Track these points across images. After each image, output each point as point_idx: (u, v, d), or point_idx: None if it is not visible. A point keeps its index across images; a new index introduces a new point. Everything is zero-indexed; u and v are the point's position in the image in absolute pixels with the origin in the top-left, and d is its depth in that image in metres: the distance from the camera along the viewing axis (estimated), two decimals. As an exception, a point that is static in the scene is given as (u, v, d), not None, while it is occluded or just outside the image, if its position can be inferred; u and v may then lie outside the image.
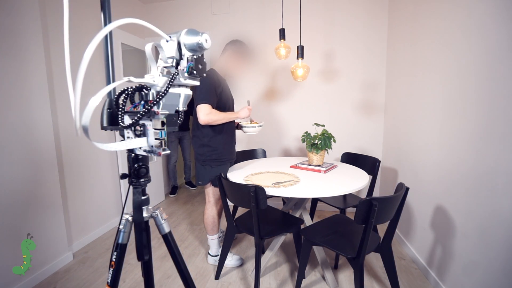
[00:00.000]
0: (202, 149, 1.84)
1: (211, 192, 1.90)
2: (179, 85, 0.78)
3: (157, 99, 0.70)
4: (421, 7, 1.94)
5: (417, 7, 2.01)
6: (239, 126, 2.01)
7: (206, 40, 0.72)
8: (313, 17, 2.80)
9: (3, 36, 1.60)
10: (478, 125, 1.34)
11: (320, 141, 1.92)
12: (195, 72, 0.74)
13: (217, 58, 1.94)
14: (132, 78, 0.71)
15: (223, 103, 1.82)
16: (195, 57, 0.73)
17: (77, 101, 0.57)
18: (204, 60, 0.79)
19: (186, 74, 0.74)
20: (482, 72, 1.31)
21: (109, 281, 0.84)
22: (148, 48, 0.74)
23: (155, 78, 0.75)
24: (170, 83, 0.71)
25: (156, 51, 3.02)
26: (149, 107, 0.71)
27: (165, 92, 0.71)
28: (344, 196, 2.22)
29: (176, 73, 0.72)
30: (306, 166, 1.97)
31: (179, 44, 0.72)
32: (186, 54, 0.73)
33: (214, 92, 1.73)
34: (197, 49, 0.73)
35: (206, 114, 1.69)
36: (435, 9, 1.75)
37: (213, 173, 1.85)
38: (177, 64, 0.75)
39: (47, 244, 1.89)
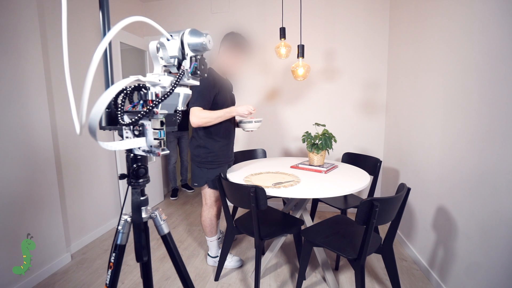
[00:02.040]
0: (198, 150, 1.81)
1: (207, 194, 1.87)
2: (180, 85, 0.78)
3: (162, 98, 0.70)
4: (423, 6, 1.93)
5: (418, 5, 2.00)
6: (236, 123, 1.98)
7: (209, 41, 0.73)
8: (314, 16, 2.79)
9: (0, 34, 1.58)
10: (480, 125, 1.33)
11: (320, 141, 1.91)
12: (198, 72, 0.74)
13: (215, 56, 1.87)
14: (140, 77, 0.71)
15: (220, 106, 1.76)
16: (198, 57, 0.73)
17: (85, 99, 0.56)
18: (206, 60, 0.79)
19: (190, 74, 0.74)
20: (485, 71, 1.30)
21: (107, 282, 0.83)
22: (153, 47, 0.74)
23: (160, 77, 0.74)
24: (177, 82, 0.71)
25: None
26: (152, 106, 0.70)
27: (171, 91, 0.70)
28: (345, 196, 2.21)
29: (182, 73, 0.72)
30: (306, 167, 1.95)
31: (181, 43, 0.72)
32: (190, 54, 0.73)
33: (208, 94, 1.68)
34: (200, 49, 0.73)
35: (196, 116, 1.64)
36: (436, 8, 1.74)
37: (209, 175, 1.82)
38: (179, 63, 0.75)
39: (45, 245, 1.87)
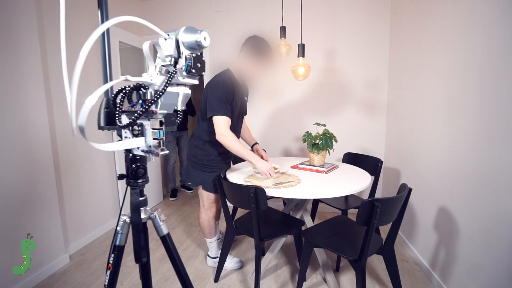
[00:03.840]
0: (195, 151, 1.79)
1: (204, 196, 1.84)
2: (178, 84, 0.77)
3: (155, 98, 0.69)
4: (424, 5, 1.92)
5: (419, 5, 1.99)
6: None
7: (204, 38, 0.72)
8: (314, 15, 2.78)
9: (-1, 34, 1.58)
10: (481, 125, 1.32)
11: (321, 141, 1.90)
12: (193, 70, 0.73)
13: (235, 58, 1.75)
14: (129, 77, 0.70)
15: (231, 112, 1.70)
16: (193, 55, 0.72)
17: (73, 100, 0.55)
18: (203, 58, 0.77)
19: (184, 73, 0.73)
20: (486, 71, 1.29)
21: (106, 283, 0.83)
22: (146, 47, 0.73)
23: (153, 77, 0.73)
24: (168, 81, 0.70)
25: (154, 49, 3.00)
26: (146, 107, 0.69)
27: (163, 91, 0.69)
28: (346, 197, 2.20)
29: (174, 72, 0.71)
30: (307, 167, 1.94)
31: (177, 42, 0.71)
32: (185, 52, 0.72)
33: (228, 100, 1.62)
34: (195, 47, 0.72)
35: (223, 134, 1.57)
36: (437, 7, 1.73)
37: (204, 177, 1.79)
38: (176, 62, 0.74)
39: (43, 246, 1.86)
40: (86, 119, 0.57)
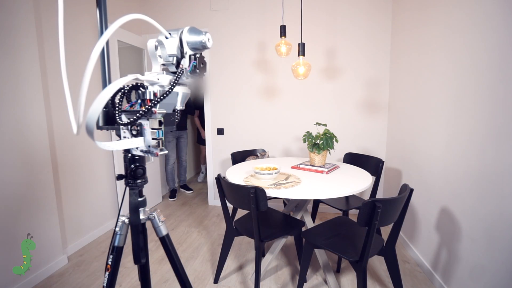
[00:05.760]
0: None
1: None
2: (179, 84, 0.76)
3: (161, 98, 0.69)
4: (426, 1, 1.90)
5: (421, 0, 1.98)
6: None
7: (208, 39, 0.72)
8: (315, 13, 2.77)
9: (-3, 32, 1.56)
10: (485, 125, 1.31)
11: (322, 141, 1.89)
12: (197, 70, 0.73)
13: None
14: (139, 76, 0.70)
15: None
16: (197, 55, 0.72)
17: (83, 99, 0.55)
18: (204, 58, 0.77)
19: (188, 73, 0.72)
20: (491, 70, 1.28)
21: (105, 285, 0.82)
22: (152, 45, 0.73)
23: (159, 76, 0.73)
24: (176, 81, 0.69)
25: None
26: (150, 106, 0.69)
27: (170, 90, 0.69)
28: (347, 197, 2.19)
29: (181, 72, 0.71)
30: (307, 167, 1.93)
31: (180, 42, 0.71)
32: (189, 52, 0.72)
33: None
34: (199, 47, 0.73)
35: None
36: (440, 3, 1.72)
37: None
38: (178, 62, 0.73)
39: (41, 247, 1.84)
40: (96, 118, 0.56)
